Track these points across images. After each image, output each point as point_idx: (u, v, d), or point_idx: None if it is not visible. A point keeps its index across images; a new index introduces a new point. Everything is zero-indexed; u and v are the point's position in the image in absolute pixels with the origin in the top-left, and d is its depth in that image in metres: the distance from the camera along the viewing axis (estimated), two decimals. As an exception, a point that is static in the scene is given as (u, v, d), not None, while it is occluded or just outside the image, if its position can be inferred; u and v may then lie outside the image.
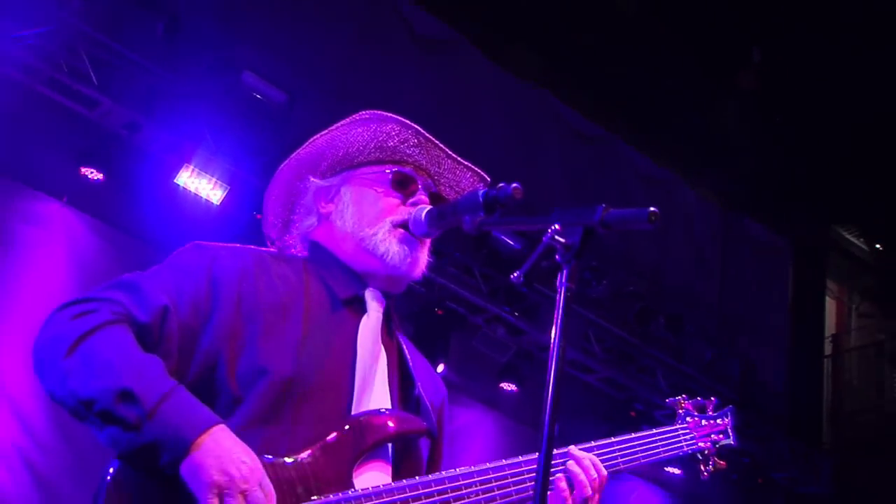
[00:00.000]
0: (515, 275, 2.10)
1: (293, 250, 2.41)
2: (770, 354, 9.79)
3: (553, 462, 2.19)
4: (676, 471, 8.74)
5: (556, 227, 1.96)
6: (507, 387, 7.98)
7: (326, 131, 2.36)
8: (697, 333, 8.68)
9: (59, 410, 1.94)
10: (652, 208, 1.98)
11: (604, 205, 1.98)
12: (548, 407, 1.87)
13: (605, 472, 2.27)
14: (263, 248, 2.31)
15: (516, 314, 7.68)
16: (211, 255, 2.15)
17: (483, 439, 8.03)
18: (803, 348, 10.75)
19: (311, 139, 2.36)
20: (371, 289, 2.25)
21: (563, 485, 2.21)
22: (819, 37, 9.82)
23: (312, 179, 2.37)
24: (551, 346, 1.90)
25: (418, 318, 7.48)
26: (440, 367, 7.53)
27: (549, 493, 2.12)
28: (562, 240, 1.95)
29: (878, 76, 9.77)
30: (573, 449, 2.24)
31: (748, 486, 9.33)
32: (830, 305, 12.15)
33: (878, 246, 12.77)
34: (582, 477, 2.21)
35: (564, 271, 1.96)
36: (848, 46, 9.82)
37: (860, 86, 9.88)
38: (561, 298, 1.94)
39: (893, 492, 10.34)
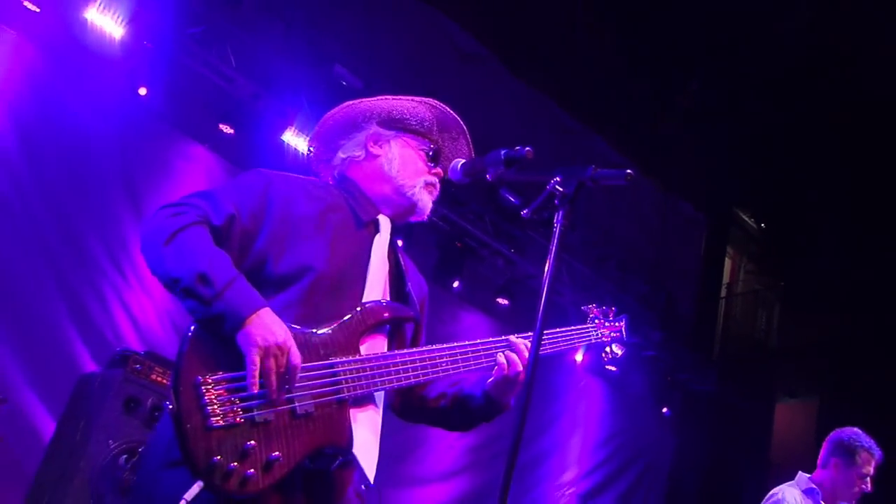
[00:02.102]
0: (525, 211, 2.04)
1: (327, 179, 2.28)
2: (685, 292, 9.75)
3: (498, 344, 2.15)
4: (613, 368, 8.73)
5: (558, 178, 1.91)
6: (502, 301, 7.93)
7: (398, 98, 2.24)
8: (637, 274, 8.63)
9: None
10: (628, 171, 1.90)
11: (594, 165, 1.91)
12: (542, 302, 1.81)
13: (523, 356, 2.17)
14: (306, 177, 2.19)
15: (512, 251, 7.65)
16: (268, 179, 2.05)
17: (481, 337, 8.01)
18: (707, 290, 10.76)
19: (384, 97, 2.24)
20: (383, 215, 2.16)
21: (503, 360, 2.12)
22: (740, 73, 9.68)
23: (375, 124, 2.23)
24: (547, 264, 1.85)
25: (443, 248, 7.45)
26: (455, 283, 7.52)
27: (493, 365, 2.12)
28: (560, 189, 1.90)
29: (769, 110, 9.70)
30: (511, 337, 2.18)
31: (660, 383, 9.35)
32: (727, 263, 12.11)
33: (762, 224, 12.73)
34: (515, 356, 2.13)
35: (561, 212, 1.92)
36: (757, 82, 9.70)
37: (759, 115, 9.79)
38: (557, 232, 1.89)
39: (755, 391, 10.48)
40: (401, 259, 2.21)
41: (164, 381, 4.40)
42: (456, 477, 7.66)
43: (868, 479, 3.75)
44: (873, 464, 3.76)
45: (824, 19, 8.82)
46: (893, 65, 8.78)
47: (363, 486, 2.01)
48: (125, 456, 4.17)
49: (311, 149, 2.34)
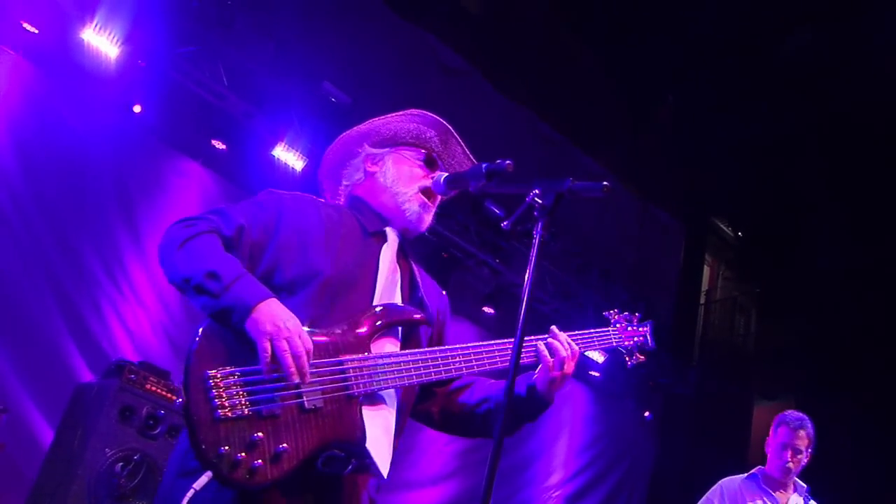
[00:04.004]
0: (505, 223, 2.07)
1: (338, 201, 2.32)
2: (665, 299, 9.82)
3: (539, 337, 2.11)
4: (596, 373, 8.76)
5: (537, 191, 1.91)
6: (488, 310, 7.99)
7: (384, 117, 2.26)
8: (618, 282, 8.69)
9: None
10: (605, 182, 1.93)
11: (571, 178, 1.94)
12: (522, 311, 1.84)
13: (576, 346, 2.12)
14: (317, 197, 2.25)
15: (497, 261, 7.70)
16: (279, 197, 2.12)
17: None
18: (686, 297, 10.85)
19: (371, 120, 2.27)
20: (390, 227, 2.18)
21: (543, 349, 2.08)
22: (715, 86, 9.81)
23: (367, 146, 2.27)
24: (527, 274, 1.85)
25: (429, 258, 7.48)
26: (442, 293, 7.51)
27: (535, 361, 2.08)
28: (539, 201, 1.90)
29: (744, 121, 9.83)
30: (554, 328, 2.15)
31: (642, 387, 9.42)
32: (706, 270, 12.20)
33: (739, 233, 12.84)
34: (557, 343, 2.09)
35: (540, 223, 1.90)
36: (733, 94, 9.84)
37: (734, 127, 9.92)
38: (536, 242, 1.88)
39: (733, 394, 10.57)
40: (414, 269, 2.22)
41: (159, 390, 4.42)
42: (446, 481, 7.69)
43: (789, 449, 3.72)
44: (798, 434, 3.72)
45: (803, 34, 8.97)
46: (867, 78, 8.94)
47: (377, 491, 1.99)
48: (121, 463, 4.19)
49: (322, 185, 2.39)
